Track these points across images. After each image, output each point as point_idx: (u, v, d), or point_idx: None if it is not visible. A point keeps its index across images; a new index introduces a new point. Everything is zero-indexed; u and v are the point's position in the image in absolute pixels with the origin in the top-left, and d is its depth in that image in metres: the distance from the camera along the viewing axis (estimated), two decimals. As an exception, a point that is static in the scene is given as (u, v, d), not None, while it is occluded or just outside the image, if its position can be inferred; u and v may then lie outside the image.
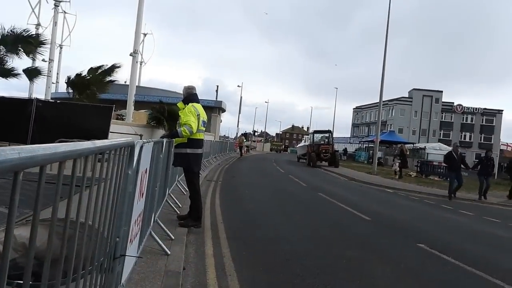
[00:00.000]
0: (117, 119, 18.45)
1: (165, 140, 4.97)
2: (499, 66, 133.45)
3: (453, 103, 63.88)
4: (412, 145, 38.28)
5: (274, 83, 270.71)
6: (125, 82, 25.74)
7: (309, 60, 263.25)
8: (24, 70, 13.69)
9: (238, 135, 49.43)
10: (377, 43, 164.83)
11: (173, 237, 4.87)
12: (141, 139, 3.85)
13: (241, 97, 59.14)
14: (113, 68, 17.10)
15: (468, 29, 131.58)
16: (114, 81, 17.99)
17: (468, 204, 12.57)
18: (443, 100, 63.24)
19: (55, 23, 22.45)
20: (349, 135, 73.96)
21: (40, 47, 13.07)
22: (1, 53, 12.31)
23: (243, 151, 36.98)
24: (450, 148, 19.32)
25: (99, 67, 17.12)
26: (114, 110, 14.21)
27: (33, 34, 13.24)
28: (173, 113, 15.13)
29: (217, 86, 46.06)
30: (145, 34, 36.60)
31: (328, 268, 4.63)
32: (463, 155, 14.89)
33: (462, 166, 14.08)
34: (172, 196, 7.04)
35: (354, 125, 78.29)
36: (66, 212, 1.36)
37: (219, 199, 9.00)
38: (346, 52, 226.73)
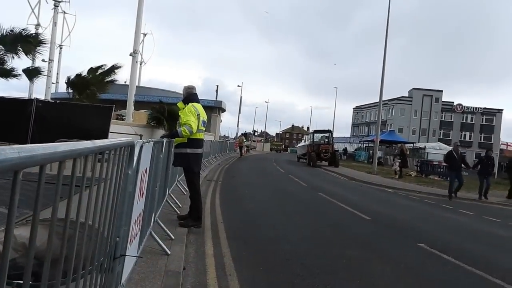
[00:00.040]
0: (117, 119, 18.45)
1: (165, 140, 4.97)
2: (499, 65, 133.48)
3: (453, 102, 63.91)
4: (412, 144, 38.29)
5: (274, 83, 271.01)
6: (125, 82, 25.73)
7: (309, 60, 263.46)
8: (23, 70, 13.70)
9: (238, 135, 49.48)
10: (377, 43, 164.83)
11: (173, 237, 4.87)
12: (141, 139, 3.85)
13: (241, 97, 59.23)
14: (113, 68, 17.11)
15: (468, 29, 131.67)
16: (114, 81, 18.00)
17: (468, 204, 12.57)
18: (443, 99, 63.26)
19: (54, 23, 22.47)
20: (349, 135, 73.97)
21: (39, 46, 13.05)
22: (1, 53, 12.30)
23: (243, 151, 36.98)
24: (450, 148, 19.33)
25: (99, 67, 17.13)
26: (114, 110, 14.22)
27: (32, 34, 13.22)
28: (173, 113, 15.12)
29: (217, 86, 46.16)
30: (145, 34, 36.63)
31: (328, 267, 4.63)
32: (463, 154, 14.87)
33: (462, 165, 14.07)
34: (172, 196, 7.04)
35: (354, 125, 78.31)
36: (66, 212, 1.36)
37: (219, 199, 9.00)
38: (346, 51, 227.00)
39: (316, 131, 32.01)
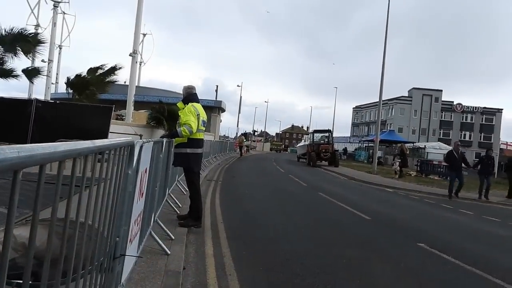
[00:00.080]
0: (116, 119, 18.46)
1: (165, 140, 4.97)
2: (499, 65, 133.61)
3: (452, 102, 63.92)
4: (412, 144, 38.29)
5: (273, 83, 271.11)
6: (125, 82, 25.73)
7: (309, 59, 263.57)
8: (23, 70, 13.69)
9: (238, 135, 49.49)
10: (376, 43, 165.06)
11: (173, 237, 4.87)
12: (141, 139, 3.85)
13: (240, 97, 59.39)
14: (113, 69, 17.10)
15: (468, 28, 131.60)
16: (114, 81, 18.00)
17: (468, 203, 12.57)
18: (442, 99, 63.28)
19: (54, 24, 22.46)
20: (349, 135, 73.98)
21: (38, 46, 13.03)
22: (0, 53, 12.29)
23: (243, 151, 36.99)
24: (450, 148, 19.32)
25: (99, 67, 17.13)
26: (114, 110, 14.23)
27: (31, 33, 13.19)
28: (173, 113, 15.13)
29: (217, 86, 46.16)
30: (144, 35, 36.70)
31: (328, 267, 4.63)
32: (463, 153, 14.85)
33: (463, 165, 14.06)
34: (172, 196, 7.04)
35: (354, 125, 78.31)
36: (66, 212, 1.36)
37: (219, 199, 9.00)
38: (346, 51, 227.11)
39: (316, 131, 32.01)
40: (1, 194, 4.57)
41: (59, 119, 12.16)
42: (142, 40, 35.96)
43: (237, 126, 55.32)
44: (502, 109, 63.63)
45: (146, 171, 3.23)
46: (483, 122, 62.76)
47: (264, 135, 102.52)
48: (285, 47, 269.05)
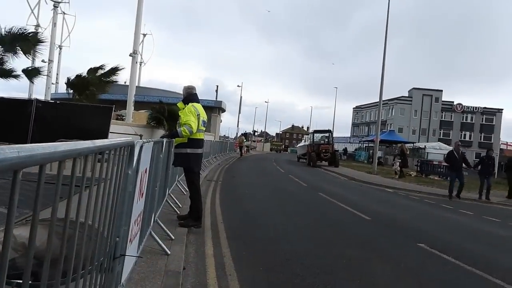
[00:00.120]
0: (117, 119, 18.46)
1: (165, 140, 4.97)
2: (499, 65, 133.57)
3: (453, 102, 63.92)
4: (412, 144, 38.29)
5: (273, 83, 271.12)
6: (125, 82, 25.76)
7: (309, 59, 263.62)
8: (23, 70, 13.67)
9: (238, 135, 49.47)
10: (376, 43, 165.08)
11: (173, 237, 4.87)
12: (141, 139, 3.85)
13: (241, 97, 59.28)
14: (114, 71, 17.09)
15: (468, 28, 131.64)
16: (114, 81, 17.99)
17: (468, 204, 12.57)
18: (443, 99, 63.27)
19: (54, 24, 22.48)
20: (349, 135, 73.96)
21: (38, 45, 13.01)
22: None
23: (243, 151, 37.00)
24: (450, 148, 19.31)
25: (99, 68, 17.12)
26: (114, 111, 14.24)
27: (30, 32, 13.16)
28: (173, 113, 15.13)
29: (217, 86, 46.14)
30: (144, 35, 36.72)
31: (328, 267, 4.62)
32: (464, 154, 14.83)
33: (464, 165, 14.05)
34: (172, 196, 7.04)
35: (354, 125, 78.30)
36: (66, 212, 1.36)
37: (219, 199, 9.00)
38: (346, 51, 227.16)
39: (316, 131, 32.02)
40: (1, 194, 4.57)
41: (59, 119, 12.17)
42: (142, 40, 36.00)
43: (237, 126, 55.35)
44: (502, 109, 63.67)
45: (146, 171, 3.23)
46: (483, 122, 62.75)
47: (264, 135, 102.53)
48: (285, 47, 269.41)
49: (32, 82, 15.07)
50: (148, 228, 3.99)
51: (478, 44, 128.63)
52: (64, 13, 28.52)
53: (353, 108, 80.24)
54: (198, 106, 5.70)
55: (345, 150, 50.61)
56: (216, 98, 42.82)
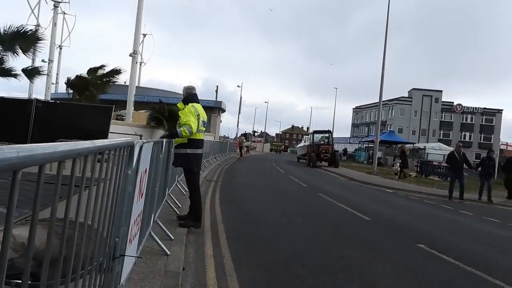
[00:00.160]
0: (116, 119, 18.45)
1: (165, 140, 4.97)
2: (499, 65, 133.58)
3: (452, 102, 63.94)
4: (412, 145, 38.31)
5: (273, 83, 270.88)
6: (125, 82, 25.74)
7: (309, 60, 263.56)
8: (23, 70, 13.65)
9: (238, 136, 49.50)
10: (376, 43, 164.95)
11: (172, 237, 4.86)
12: (141, 139, 3.85)
13: (240, 97, 59.34)
14: (114, 72, 17.09)
15: (468, 29, 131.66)
16: (113, 81, 18.00)
17: (468, 204, 12.57)
18: (442, 99, 63.28)
19: (54, 24, 22.48)
20: (349, 135, 74.00)
21: (37, 43, 12.96)
22: None
23: (243, 152, 37.00)
24: (450, 148, 19.31)
25: (99, 68, 17.13)
26: (114, 111, 14.22)
27: (29, 30, 13.11)
28: (173, 113, 15.10)
29: (217, 87, 46.14)
30: (144, 35, 36.72)
31: (328, 268, 4.62)
32: (464, 154, 14.82)
33: (465, 166, 14.05)
34: (172, 196, 7.04)
35: (354, 125, 78.31)
36: (65, 212, 1.36)
37: (219, 199, 9.00)
38: (346, 51, 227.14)
39: (316, 132, 32.04)
40: (0, 193, 4.57)
41: (59, 119, 12.16)
42: (142, 41, 36.00)
43: (237, 126, 55.41)
44: (502, 110, 63.71)
45: (146, 171, 3.23)
46: (483, 123, 62.77)
47: (264, 135, 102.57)
48: (285, 47, 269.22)
49: (32, 82, 15.06)
50: (147, 228, 3.99)
51: (478, 44, 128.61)
52: (64, 13, 28.53)
53: (353, 108, 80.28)
54: (198, 107, 5.70)
55: (345, 150, 50.64)
56: (216, 98, 42.84)
